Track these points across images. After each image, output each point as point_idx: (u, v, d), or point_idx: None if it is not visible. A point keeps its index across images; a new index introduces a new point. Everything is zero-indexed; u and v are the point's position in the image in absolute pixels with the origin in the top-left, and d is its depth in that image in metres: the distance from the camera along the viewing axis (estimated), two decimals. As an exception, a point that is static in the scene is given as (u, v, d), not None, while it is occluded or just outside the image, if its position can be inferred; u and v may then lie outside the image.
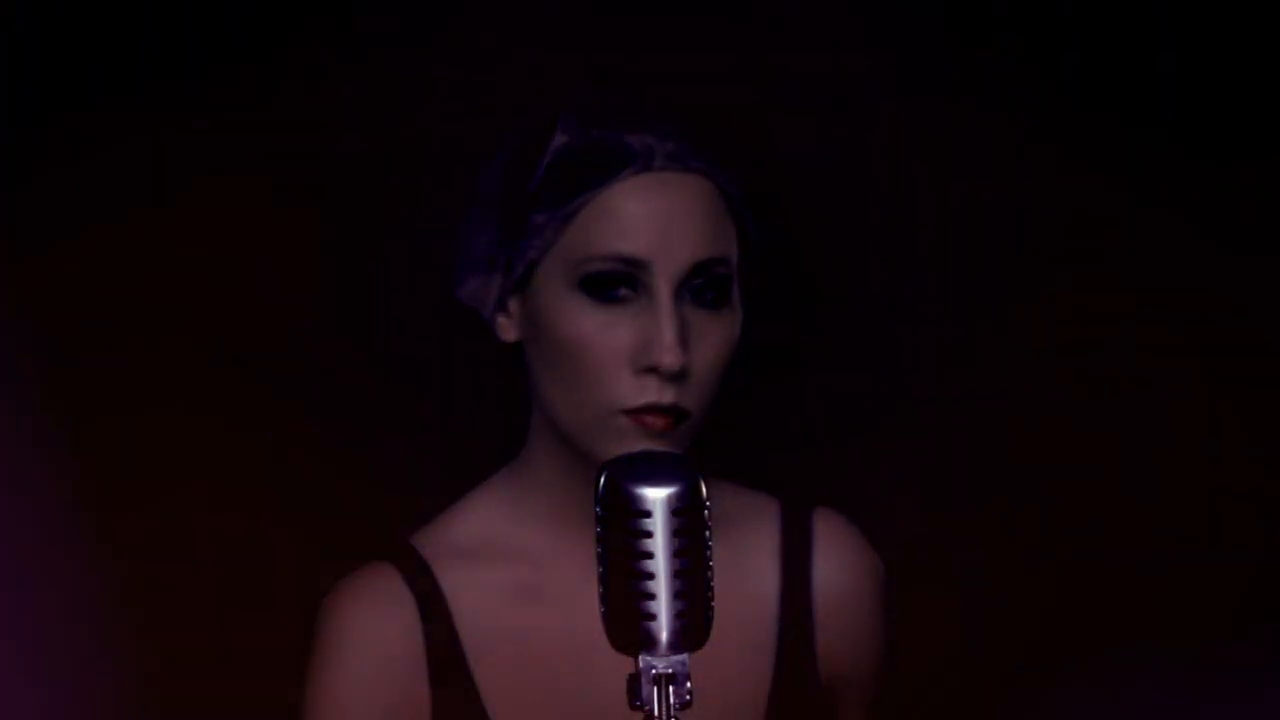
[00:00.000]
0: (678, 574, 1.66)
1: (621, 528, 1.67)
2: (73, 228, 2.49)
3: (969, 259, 2.61)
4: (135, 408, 2.50)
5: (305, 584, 2.19)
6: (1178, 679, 2.52)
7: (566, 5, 2.55)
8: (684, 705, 1.67)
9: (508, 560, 2.11)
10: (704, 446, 2.04)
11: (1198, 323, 2.58)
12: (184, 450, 2.52)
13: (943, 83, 2.57)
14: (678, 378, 1.99)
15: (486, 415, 2.44)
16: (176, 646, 2.51)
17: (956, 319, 2.61)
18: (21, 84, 2.48)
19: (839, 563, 2.17)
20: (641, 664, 1.67)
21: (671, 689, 1.67)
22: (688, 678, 1.68)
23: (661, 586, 1.66)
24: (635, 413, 2.00)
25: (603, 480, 1.68)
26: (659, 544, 1.66)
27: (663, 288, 1.99)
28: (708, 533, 1.68)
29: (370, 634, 2.08)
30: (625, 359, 2.00)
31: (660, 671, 1.67)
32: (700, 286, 2.01)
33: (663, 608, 1.67)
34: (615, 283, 2.00)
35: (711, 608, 1.69)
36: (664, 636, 1.67)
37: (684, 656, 1.68)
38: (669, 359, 1.97)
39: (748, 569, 2.13)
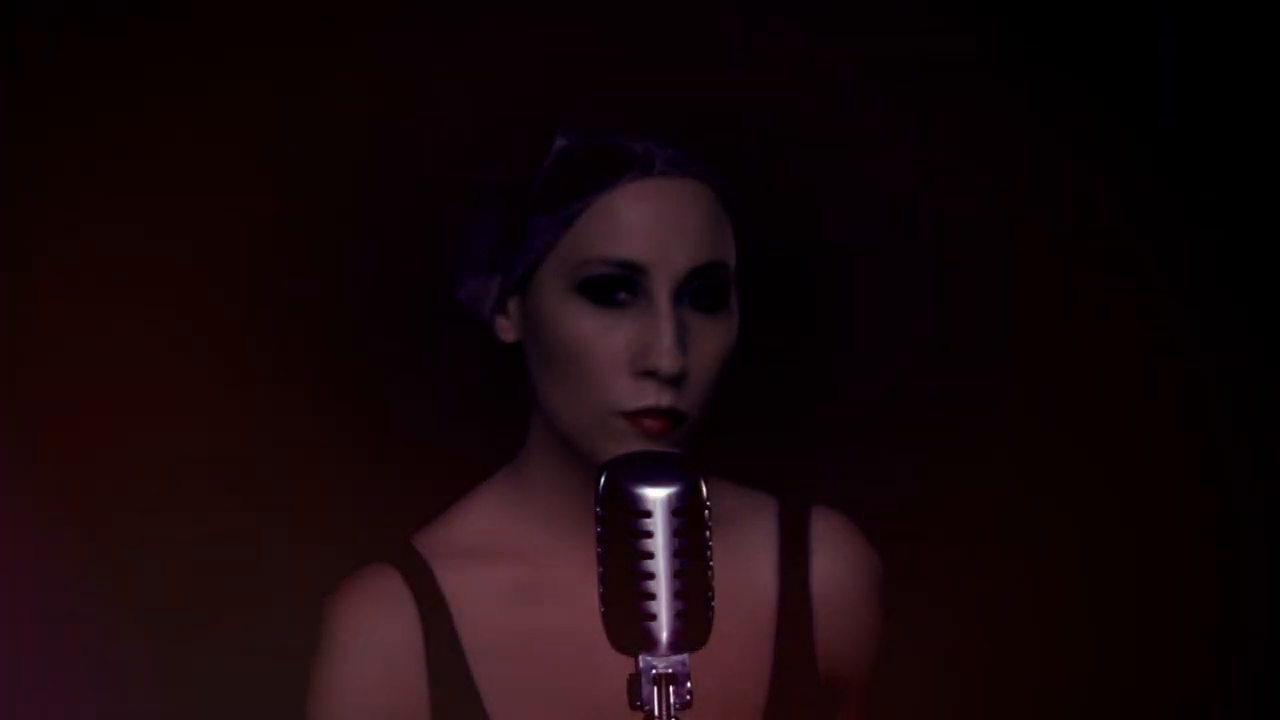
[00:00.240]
0: (678, 574, 1.66)
1: (622, 528, 1.67)
2: (68, 217, 2.49)
3: (967, 259, 2.61)
4: (137, 407, 2.51)
5: (308, 584, 2.19)
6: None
7: (568, 7, 2.55)
8: (684, 705, 1.67)
9: (507, 560, 2.11)
10: (703, 446, 2.04)
11: (1201, 324, 2.58)
12: (185, 450, 2.52)
13: (942, 83, 2.57)
14: (676, 381, 1.99)
15: (487, 415, 2.44)
16: (177, 646, 2.51)
17: (955, 319, 2.61)
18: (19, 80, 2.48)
19: (837, 560, 2.17)
20: (641, 664, 1.67)
21: (671, 689, 1.67)
22: (688, 678, 1.68)
23: (662, 586, 1.66)
24: (633, 415, 2.00)
25: (603, 480, 1.68)
26: (659, 544, 1.66)
27: (662, 292, 2.00)
28: (708, 533, 1.68)
29: (370, 635, 2.08)
30: (624, 362, 2.00)
31: (660, 671, 1.67)
32: (699, 291, 2.02)
33: (663, 608, 1.67)
34: (614, 286, 2.01)
35: (712, 608, 1.69)
36: (664, 636, 1.67)
37: (684, 656, 1.68)
38: (667, 363, 1.98)
39: (746, 567, 2.14)
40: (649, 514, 1.66)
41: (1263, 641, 2.56)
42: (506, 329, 2.09)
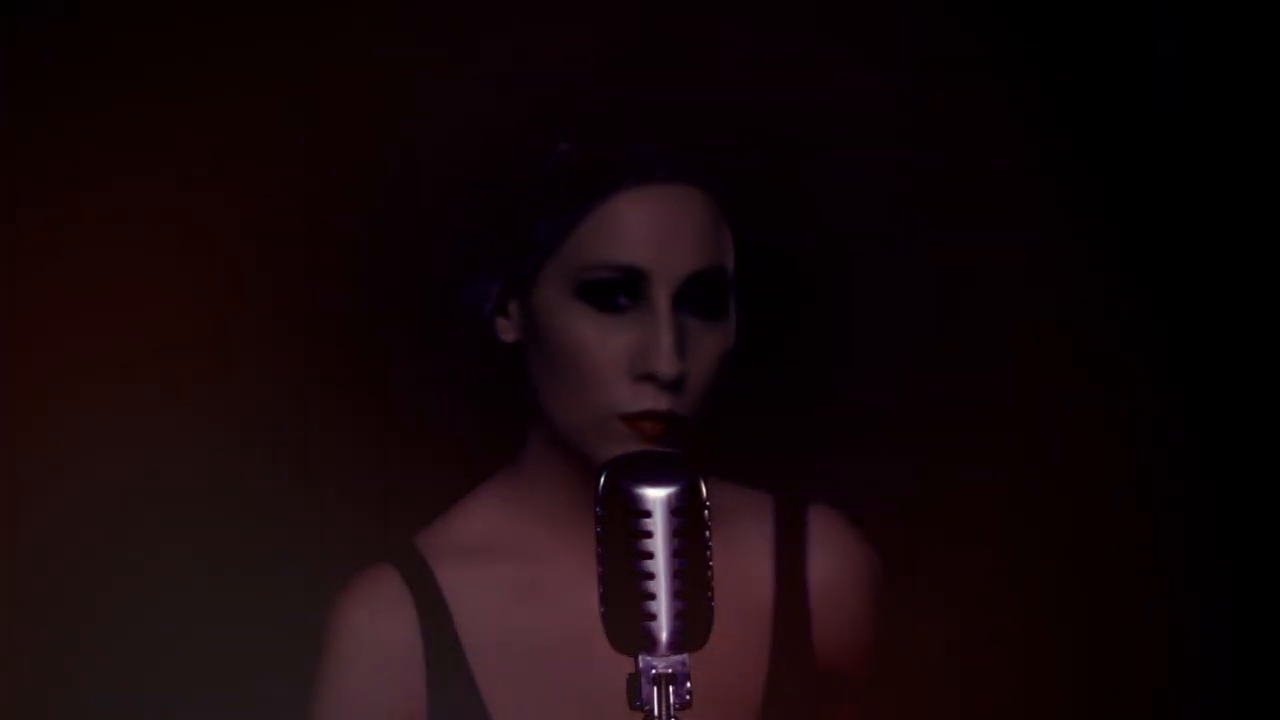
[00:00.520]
0: (678, 574, 1.67)
1: (621, 528, 1.67)
2: (67, 216, 2.49)
3: (968, 259, 2.61)
4: (139, 406, 2.51)
5: (312, 586, 2.20)
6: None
7: (571, 8, 2.55)
8: (684, 705, 1.68)
9: (507, 558, 2.12)
10: (702, 446, 2.04)
11: (1206, 325, 2.58)
12: (187, 451, 2.52)
13: (939, 85, 2.57)
14: (674, 385, 2.01)
15: (488, 415, 2.44)
16: (181, 648, 2.51)
17: (954, 320, 2.61)
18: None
19: (834, 558, 2.18)
20: (641, 664, 1.67)
21: (671, 689, 1.67)
22: (688, 678, 1.68)
23: (661, 586, 1.66)
24: (631, 418, 2.01)
25: (603, 480, 1.69)
26: (659, 544, 1.66)
27: (661, 297, 2.01)
28: (708, 533, 1.68)
29: (369, 635, 2.09)
30: (623, 366, 2.02)
31: (660, 672, 1.67)
32: (698, 295, 2.04)
33: (663, 608, 1.67)
34: (615, 291, 2.02)
35: (712, 608, 1.69)
36: (664, 636, 1.67)
37: (684, 656, 1.68)
38: (666, 367, 2.00)
39: (742, 564, 2.14)
40: (649, 514, 1.66)
41: (1259, 636, 2.57)
42: (507, 330, 2.10)
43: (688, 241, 2.02)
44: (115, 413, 2.50)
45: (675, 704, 1.67)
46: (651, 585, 1.66)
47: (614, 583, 1.68)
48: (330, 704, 2.09)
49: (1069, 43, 2.58)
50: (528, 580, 2.11)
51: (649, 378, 2.00)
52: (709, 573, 1.69)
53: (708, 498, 1.68)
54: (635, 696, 1.68)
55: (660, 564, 1.66)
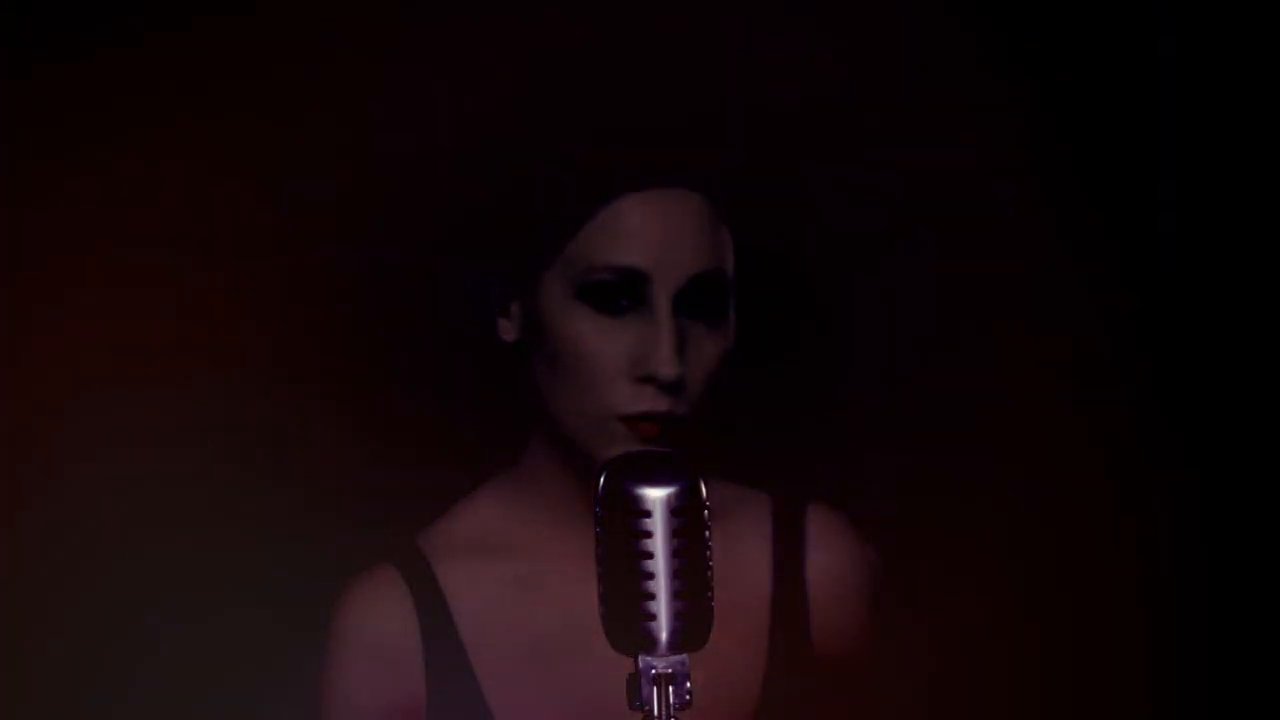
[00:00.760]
0: (677, 574, 1.67)
1: (621, 527, 1.67)
2: (66, 223, 2.49)
3: (966, 260, 2.61)
4: (144, 409, 2.51)
5: (319, 586, 2.21)
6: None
7: (572, 11, 2.55)
8: (684, 705, 1.68)
9: (509, 556, 2.13)
10: (701, 445, 2.04)
11: (1208, 326, 2.58)
12: (190, 452, 2.52)
13: (933, 87, 2.57)
14: (674, 387, 2.01)
15: (491, 415, 2.44)
16: (184, 650, 2.51)
17: (953, 320, 2.61)
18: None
19: (833, 557, 2.18)
20: (641, 664, 1.67)
21: (671, 689, 1.67)
22: (688, 678, 1.68)
23: (661, 586, 1.67)
24: (631, 419, 2.02)
25: (602, 480, 1.69)
26: (659, 544, 1.66)
27: (662, 299, 2.02)
28: (708, 533, 1.68)
29: (368, 634, 2.11)
30: (623, 367, 2.03)
31: (660, 672, 1.67)
32: (698, 298, 2.05)
33: (662, 608, 1.67)
34: (615, 293, 2.03)
35: (712, 608, 1.69)
36: (663, 636, 1.67)
37: (683, 656, 1.68)
38: (666, 369, 2.01)
39: (742, 564, 2.15)
40: (649, 514, 1.66)
41: (1254, 634, 2.57)
42: (508, 330, 2.11)
43: (688, 244, 2.04)
44: (117, 413, 2.50)
45: (675, 704, 1.67)
46: (651, 585, 1.67)
47: (614, 583, 1.68)
48: (336, 701, 2.11)
49: (1067, 42, 2.58)
50: (529, 579, 2.12)
51: (649, 379, 2.01)
52: (709, 573, 1.69)
53: (707, 498, 1.68)
54: (635, 696, 1.68)
55: (660, 564, 1.67)
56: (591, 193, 2.04)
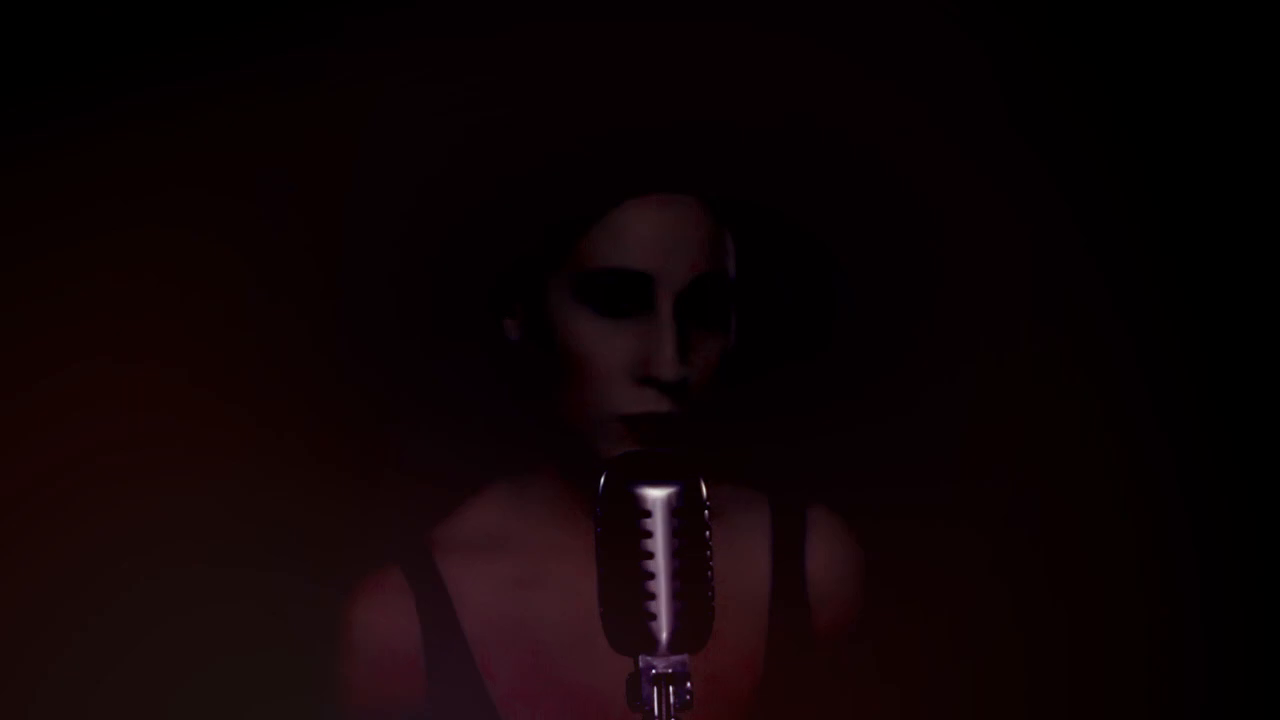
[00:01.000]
0: (678, 574, 1.67)
1: (622, 527, 1.67)
2: (65, 234, 2.49)
3: (967, 262, 2.61)
4: (149, 411, 2.51)
5: (321, 586, 2.21)
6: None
7: (575, 13, 2.56)
8: (684, 705, 1.68)
9: (512, 555, 2.14)
10: (701, 446, 2.05)
11: (1209, 326, 2.58)
12: (195, 454, 2.52)
13: (927, 88, 2.58)
14: (676, 388, 2.02)
15: (493, 413, 2.44)
16: (187, 651, 2.51)
17: (952, 323, 2.62)
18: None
19: (831, 558, 2.19)
20: (641, 664, 1.67)
21: (671, 689, 1.67)
22: (688, 678, 1.68)
23: (662, 586, 1.67)
24: (633, 420, 2.03)
25: (603, 480, 1.69)
26: (659, 544, 1.67)
27: (664, 302, 2.03)
28: (708, 533, 1.69)
29: (375, 634, 2.12)
30: (626, 369, 2.03)
31: (660, 671, 1.67)
32: (700, 301, 2.05)
33: (663, 608, 1.67)
34: (619, 296, 2.04)
35: (713, 609, 1.69)
36: (664, 637, 1.67)
37: (684, 656, 1.68)
38: (669, 372, 2.01)
39: (741, 564, 2.15)
40: (649, 514, 1.67)
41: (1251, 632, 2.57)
42: (513, 329, 2.12)
43: (690, 248, 2.05)
44: (120, 413, 2.51)
45: (675, 704, 1.67)
46: (651, 585, 1.67)
47: (614, 583, 1.68)
48: (344, 699, 2.12)
49: (1067, 45, 2.59)
50: (532, 577, 2.13)
51: (651, 381, 2.02)
52: (709, 573, 1.69)
53: (708, 498, 1.69)
54: (635, 696, 1.68)
55: (660, 564, 1.67)
56: (595, 196, 2.05)
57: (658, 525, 1.67)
